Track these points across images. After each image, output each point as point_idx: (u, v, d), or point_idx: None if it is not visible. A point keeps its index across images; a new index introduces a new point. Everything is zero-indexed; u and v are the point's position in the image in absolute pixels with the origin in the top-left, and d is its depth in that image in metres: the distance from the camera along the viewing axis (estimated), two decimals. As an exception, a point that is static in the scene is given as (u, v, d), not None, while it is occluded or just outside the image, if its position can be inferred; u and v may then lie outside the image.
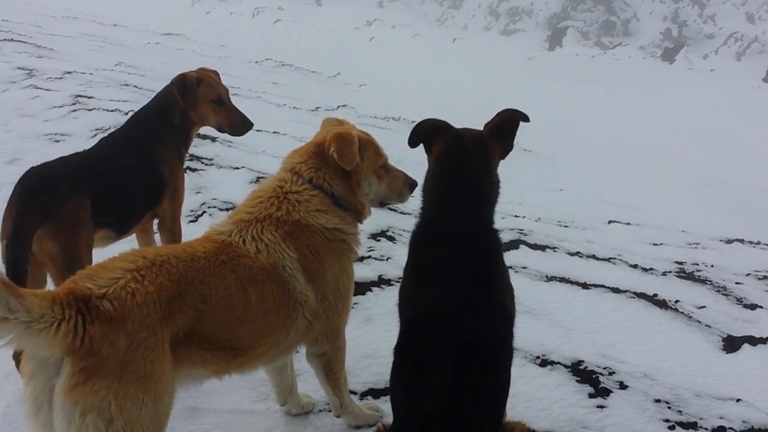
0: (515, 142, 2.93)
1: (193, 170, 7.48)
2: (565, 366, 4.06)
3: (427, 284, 2.65)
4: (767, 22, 59.71)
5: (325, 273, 3.03)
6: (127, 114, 8.64)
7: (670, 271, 6.05)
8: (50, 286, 3.71)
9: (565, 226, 8.09)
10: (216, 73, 4.71)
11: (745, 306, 5.25)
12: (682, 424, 3.56)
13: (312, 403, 3.60)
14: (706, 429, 3.54)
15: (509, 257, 5.85)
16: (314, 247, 3.01)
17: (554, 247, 6.44)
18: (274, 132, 10.76)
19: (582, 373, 3.99)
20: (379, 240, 5.97)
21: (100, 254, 3.45)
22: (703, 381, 4.01)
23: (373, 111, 16.82)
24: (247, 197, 3.16)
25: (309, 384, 3.68)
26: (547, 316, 4.76)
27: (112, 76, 14.39)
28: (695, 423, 3.57)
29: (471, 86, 28.73)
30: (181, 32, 36.26)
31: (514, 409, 3.54)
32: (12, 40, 17.38)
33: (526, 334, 4.40)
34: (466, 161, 2.80)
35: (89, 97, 11.21)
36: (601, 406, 3.66)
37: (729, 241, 8.26)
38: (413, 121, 16.39)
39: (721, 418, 3.62)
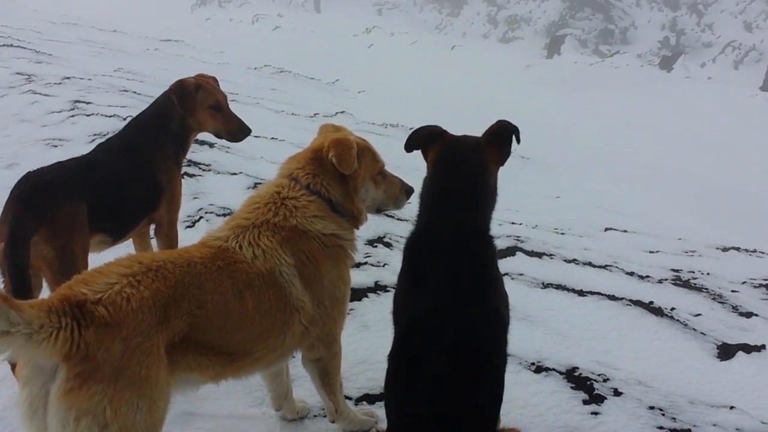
0: (512, 150, 2.94)
1: (191, 176, 7.49)
2: (560, 372, 4.06)
3: (421, 291, 2.66)
4: (765, 31, 59.90)
5: (321, 279, 3.03)
6: (125, 119, 8.64)
7: (666, 279, 6.07)
8: (46, 290, 3.71)
9: (562, 234, 8.11)
10: (214, 80, 4.72)
11: (741, 314, 5.26)
12: (675, 431, 3.56)
13: (307, 408, 3.61)
14: (700, 436, 3.56)
15: (506, 264, 5.92)
16: (311, 252, 3.01)
17: (551, 254, 6.46)
18: (272, 138, 10.77)
19: (577, 379, 4.00)
20: (375, 246, 5.98)
21: (96, 259, 3.45)
22: (697, 388, 4.02)
23: (372, 117, 16.84)
24: (244, 203, 3.16)
25: (304, 389, 3.69)
26: (543, 323, 4.77)
27: (110, 81, 14.40)
28: (689, 430, 3.57)
29: (469, 93, 28.76)
30: (181, 38, 36.27)
31: (509, 415, 3.54)
32: (11, 45, 17.39)
33: (522, 340, 4.41)
34: (461, 167, 2.81)
35: (88, 103, 11.22)
36: (596, 413, 3.67)
37: (725, 249, 8.28)
38: (411, 128, 16.41)
39: (714, 425, 3.63)
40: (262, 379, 3.51)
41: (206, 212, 6.40)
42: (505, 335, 2.68)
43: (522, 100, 27.87)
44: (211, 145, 9.09)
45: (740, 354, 4.40)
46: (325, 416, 3.48)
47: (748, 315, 5.24)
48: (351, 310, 4.55)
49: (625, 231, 9.09)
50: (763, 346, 4.48)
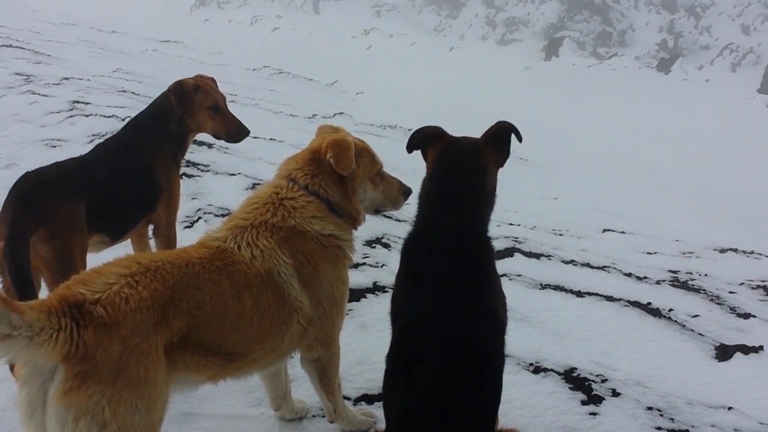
0: (512, 150, 2.95)
1: (190, 176, 7.49)
2: (559, 373, 4.07)
3: (419, 292, 2.66)
4: (762, 34, 60.01)
5: (320, 279, 3.04)
6: (124, 120, 8.64)
7: (664, 280, 6.07)
8: (44, 290, 3.71)
9: (560, 235, 8.11)
10: (213, 80, 4.72)
11: (738, 315, 5.27)
12: (674, 432, 3.57)
13: (306, 409, 3.61)
14: (698, 437, 3.56)
15: (504, 265, 5.92)
16: (309, 253, 3.01)
17: (549, 256, 6.46)
18: (271, 139, 10.77)
19: (575, 380, 4.00)
20: (374, 247, 5.99)
21: (95, 259, 3.45)
22: (695, 389, 4.02)
23: (370, 119, 16.85)
24: (242, 203, 3.16)
25: (303, 389, 3.69)
26: (541, 324, 4.77)
27: (109, 82, 14.40)
28: (687, 431, 3.58)
29: (468, 95, 28.82)
30: (180, 39, 36.32)
31: (507, 416, 3.54)
32: (10, 45, 17.38)
33: (520, 341, 4.41)
34: (459, 169, 2.81)
35: (86, 103, 11.22)
36: (594, 414, 3.68)
37: (723, 251, 8.29)
38: (410, 129, 16.37)
39: (712, 426, 3.64)
40: (260, 380, 3.51)
41: (205, 213, 6.40)
42: (502, 336, 2.68)
43: (520, 102, 27.91)
44: (210, 146, 9.09)
45: (738, 355, 4.41)
46: (323, 416, 3.48)
47: (746, 316, 5.24)
48: (349, 310, 4.55)
49: (623, 232, 9.10)
50: (760, 347, 4.49)
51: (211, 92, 4.56)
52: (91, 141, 8.61)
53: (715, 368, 4.31)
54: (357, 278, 5.10)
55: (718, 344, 4.62)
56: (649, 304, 5.23)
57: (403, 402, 2.53)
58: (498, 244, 6.49)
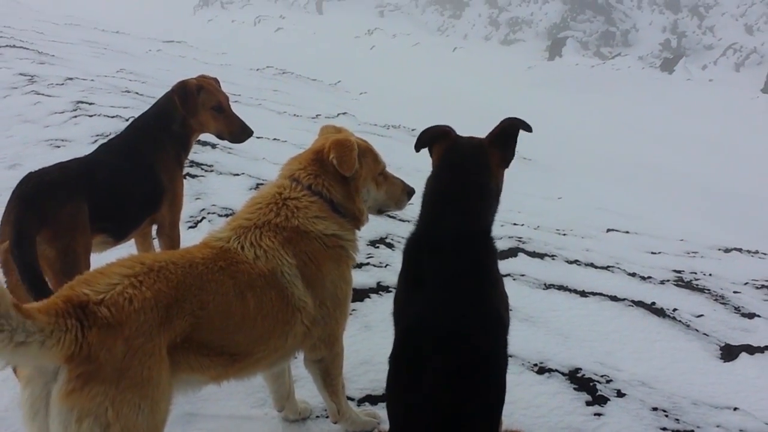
0: (516, 151, 2.93)
1: (193, 176, 7.49)
2: (563, 374, 4.05)
3: (421, 292, 2.64)
4: (766, 34, 59.92)
5: (323, 279, 3.03)
6: (127, 120, 8.65)
7: (668, 280, 6.06)
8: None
9: (564, 234, 8.10)
10: (216, 81, 4.72)
11: (743, 315, 5.25)
12: (679, 433, 3.56)
13: (309, 409, 3.60)
14: (703, 437, 3.55)
15: (508, 265, 5.91)
16: (313, 253, 3.01)
17: (553, 255, 6.45)
18: (275, 139, 10.78)
19: (579, 380, 3.99)
20: (377, 247, 5.98)
21: (98, 260, 3.45)
22: (700, 389, 4.01)
23: (374, 119, 16.85)
24: (245, 203, 3.16)
25: (306, 390, 3.67)
26: (545, 324, 4.76)
27: (113, 82, 14.43)
28: (692, 431, 3.56)
29: (471, 95, 28.83)
30: (183, 40, 36.39)
31: (512, 417, 3.54)
32: (14, 46, 17.43)
33: (524, 341, 4.40)
34: (462, 169, 2.79)
35: (90, 104, 11.24)
36: (599, 414, 3.66)
37: (727, 250, 8.27)
38: (413, 129, 16.44)
39: (718, 426, 3.62)
40: (264, 380, 3.50)
41: (208, 213, 6.40)
42: (505, 336, 2.66)
43: (523, 102, 27.89)
44: (214, 146, 9.09)
45: (743, 355, 4.39)
46: (327, 417, 3.47)
47: (751, 316, 5.23)
48: (353, 310, 4.55)
49: (627, 232, 9.09)
50: (766, 347, 4.48)
51: (214, 92, 4.55)
52: (95, 141, 8.62)
53: (720, 368, 4.30)
54: (361, 278, 5.10)
55: (723, 344, 4.60)
56: (654, 303, 5.22)
57: (407, 403, 2.51)
58: (502, 244, 6.48)
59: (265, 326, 2.79)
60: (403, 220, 6.89)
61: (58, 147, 8.67)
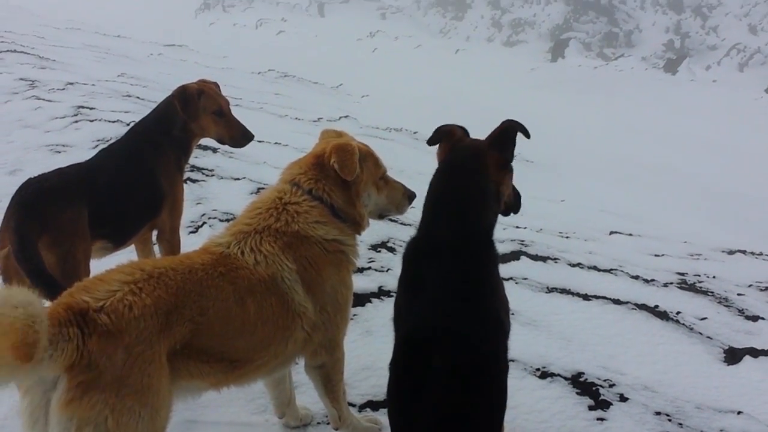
0: (516, 153, 2.91)
1: (194, 181, 7.49)
2: (565, 378, 4.04)
3: (420, 298, 2.63)
4: (769, 33, 59.78)
5: (323, 284, 3.02)
6: (128, 125, 8.66)
7: (671, 283, 6.03)
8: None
9: (567, 237, 8.08)
10: (216, 85, 4.71)
11: (747, 317, 5.23)
12: (682, 437, 3.54)
13: (310, 416, 3.58)
14: (707, 442, 3.53)
15: (510, 268, 5.89)
16: (313, 258, 3.00)
17: (555, 258, 6.43)
18: (276, 143, 10.78)
19: (582, 385, 3.97)
20: (379, 251, 5.97)
21: (98, 266, 3.44)
22: (704, 393, 3.99)
23: (375, 122, 16.83)
24: (245, 208, 3.15)
25: (307, 396, 3.67)
26: (548, 328, 4.74)
27: (114, 87, 14.44)
28: (696, 436, 3.55)
29: (473, 97, 28.79)
30: (184, 43, 36.47)
31: (514, 422, 3.52)
32: (15, 51, 17.45)
33: (526, 345, 4.38)
34: (459, 170, 2.78)
35: (91, 108, 11.24)
36: (602, 419, 3.65)
37: (731, 252, 8.24)
38: (415, 132, 16.44)
39: (721, 430, 3.61)
40: (264, 387, 3.49)
41: (209, 218, 6.39)
42: (505, 341, 2.65)
43: (526, 104, 27.87)
44: (215, 150, 9.09)
45: (747, 358, 4.37)
46: (328, 423, 3.46)
47: (755, 318, 5.20)
48: (354, 315, 4.54)
49: (630, 234, 9.06)
50: (770, 350, 4.45)
51: (214, 97, 4.55)
52: (96, 146, 8.61)
53: (723, 372, 4.28)
54: (362, 283, 5.08)
55: (726, 347, 4.58)
56: (657, 306, 5.20)
57: (408, 409, 2.50)
58: (504, 247, 6.46)
59: (266, 332, 2.79)
60: (405, 224, 6.87)
61: (59, 152, 8.67)
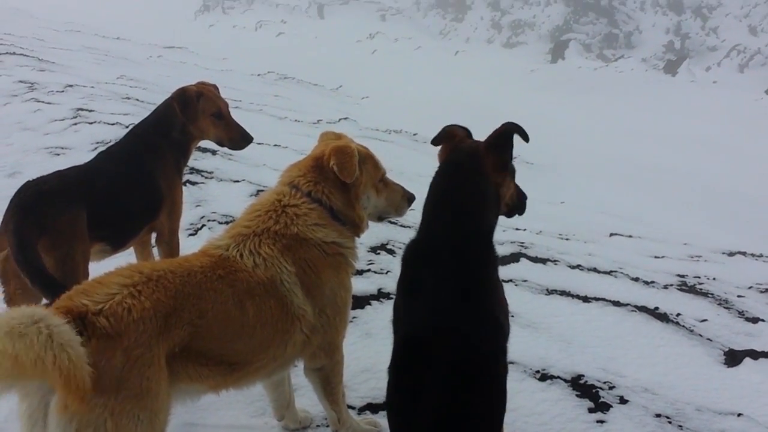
0: (516, 155, 2.91)
1: (193, 183, 7.49)
2: (565, 380, 4.03)
3: (419, 300, 2.62)
4: (769, 35, 59.77)
5: (323, 287, 3.02)
6: (128, 127, 8.66)
7: (671, 284, 6.03)
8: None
9: (567, 239, 8.08)
10: (215, 87, 4.71)
11: (747, 319, 5.23)
12: (682, 439, 3.54)
13: (310, 418, 3.58)
14: (707, 444, 3.53)
15: (510, 270, 5.89)
16: (312, 260, 3.00)
17: (555, 260, 6.43)
18: (275, 145, 10.78)
19: (582, 387, 3.96)
20: (378, 253, 5.96)
21: (97, 268, 3.43)
22: (704, 395, 3.98)
23: (375, 124, 16.84)
24: (245, 211, 3.15)
25: (307, 399, 3.66)
26: (548, 330, 4.74)
27: (113, 89, 14.45)
28: (696, 438, 3.54)
29: (473, 99, 28.76)
30: (184, 45, 36.48)
31: (514, 424, 3.51)
32: (14, 53, 17.46)
33: (526, 347, 4.38)
34: (455, 173, 2.77)
35: (90, 111, 11.25)
36: (601, 421, 3.64)
37: (731, 254, 8.24)
38: (415, 134, 16.41)
39: (721, 432, 3.60)
40: (263, 389, 3.49)
41: (209, 220, 6.39)
42: (504, 344, 2.63)
43: (526, 105, 27.87)
44: (214, 153, 9.09)
45: (747, 360, 4.37)
46: (327, 426, 3.45)
47: (755, 320, 5.20)
48: (354, 318, 4.53)
49: (630, 236, 9.06)
50: (771, 352, 4.45)
51: (214, 99, 4.55)
52: (95, 148, 8.61)
53: (724, 374, 4.28)
54: (362, 285, 5.08)
55: (726, 349, 4.58)
56: (657, 308, 5.19)
57: (407, 412, 2.49)
58: (504, 249, 6.46)
59: (264, 335, 2.78)
60: (405, 226, 6.86)
61: (58, 155, 8.67)
